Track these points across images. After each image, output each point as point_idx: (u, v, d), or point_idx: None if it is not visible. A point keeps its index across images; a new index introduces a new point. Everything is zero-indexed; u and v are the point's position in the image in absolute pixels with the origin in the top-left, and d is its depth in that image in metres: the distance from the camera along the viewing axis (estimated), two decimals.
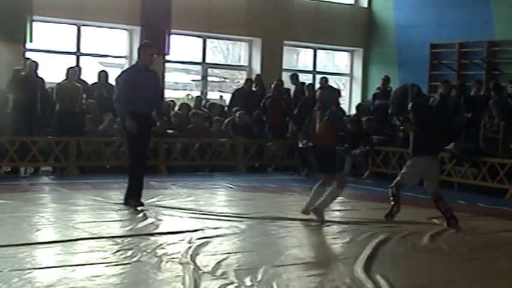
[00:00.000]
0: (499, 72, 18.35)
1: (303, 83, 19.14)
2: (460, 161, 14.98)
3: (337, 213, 10.73)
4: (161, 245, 7.78)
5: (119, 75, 10.80)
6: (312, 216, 9.81)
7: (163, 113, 11.97)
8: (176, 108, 17.51)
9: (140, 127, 10.36)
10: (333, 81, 20.68)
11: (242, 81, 19.42)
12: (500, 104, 15.38)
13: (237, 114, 17.05)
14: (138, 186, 10.67)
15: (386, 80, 18.59)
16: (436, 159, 10.15)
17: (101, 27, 18.44)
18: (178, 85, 21.21)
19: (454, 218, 9.75)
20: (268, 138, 17.55)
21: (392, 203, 9.82)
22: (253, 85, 18.68)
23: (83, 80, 16.48)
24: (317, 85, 19.49)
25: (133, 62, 17.99)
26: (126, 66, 18.27)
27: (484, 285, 6.78)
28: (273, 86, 17.81)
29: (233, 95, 18.64)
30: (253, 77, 19.36)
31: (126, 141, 11.22)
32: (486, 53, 18.63)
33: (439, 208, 9.89)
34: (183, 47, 19.65)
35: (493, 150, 15.12)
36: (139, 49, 10.80)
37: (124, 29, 18.70)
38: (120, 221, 9.53)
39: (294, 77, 19.20)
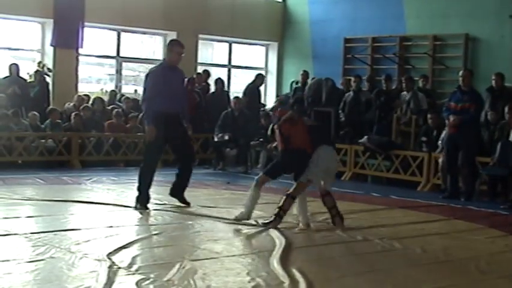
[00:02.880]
0: (411, 67, 18.67)
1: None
2: (374, 154, 15.23)
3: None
4: (75, 241, 7.65)
5: (147, 75, 10.36)
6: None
7: (187, 115, 11.03)
8: (90, 102, 17.31)
9: (167, 129, 10.09)
10: (248, 75, 20.72)
11: None
12: (413, 98, 15.66)
13: None
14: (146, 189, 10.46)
15: (305, 75, 18.62)
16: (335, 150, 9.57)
17: (13, 19, 18.01)
18: (92, 79, 20.94)
19: (340, 216, 9.23)
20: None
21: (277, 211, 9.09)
22: None
23: None
24: (230, 79, 19.58)
25: (44, 57, 18.02)
26: (39, 59, 18.03)
27: (398, 275, 6.89)
28: (186, 80, 17.81)
29: None
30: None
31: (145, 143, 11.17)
32: (398, 48, 18.92)
33: (325, 204, 9.24)
34: (96, 40, 19.40)
35: (405, 143, 15.42)
36: (167, 47, 10.44)
37: (36, 22, 18.33)
38: (33, 217, 9.38)
39: (206, 72, 19.32)
